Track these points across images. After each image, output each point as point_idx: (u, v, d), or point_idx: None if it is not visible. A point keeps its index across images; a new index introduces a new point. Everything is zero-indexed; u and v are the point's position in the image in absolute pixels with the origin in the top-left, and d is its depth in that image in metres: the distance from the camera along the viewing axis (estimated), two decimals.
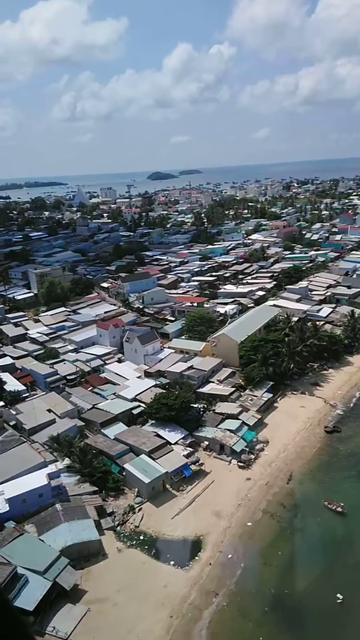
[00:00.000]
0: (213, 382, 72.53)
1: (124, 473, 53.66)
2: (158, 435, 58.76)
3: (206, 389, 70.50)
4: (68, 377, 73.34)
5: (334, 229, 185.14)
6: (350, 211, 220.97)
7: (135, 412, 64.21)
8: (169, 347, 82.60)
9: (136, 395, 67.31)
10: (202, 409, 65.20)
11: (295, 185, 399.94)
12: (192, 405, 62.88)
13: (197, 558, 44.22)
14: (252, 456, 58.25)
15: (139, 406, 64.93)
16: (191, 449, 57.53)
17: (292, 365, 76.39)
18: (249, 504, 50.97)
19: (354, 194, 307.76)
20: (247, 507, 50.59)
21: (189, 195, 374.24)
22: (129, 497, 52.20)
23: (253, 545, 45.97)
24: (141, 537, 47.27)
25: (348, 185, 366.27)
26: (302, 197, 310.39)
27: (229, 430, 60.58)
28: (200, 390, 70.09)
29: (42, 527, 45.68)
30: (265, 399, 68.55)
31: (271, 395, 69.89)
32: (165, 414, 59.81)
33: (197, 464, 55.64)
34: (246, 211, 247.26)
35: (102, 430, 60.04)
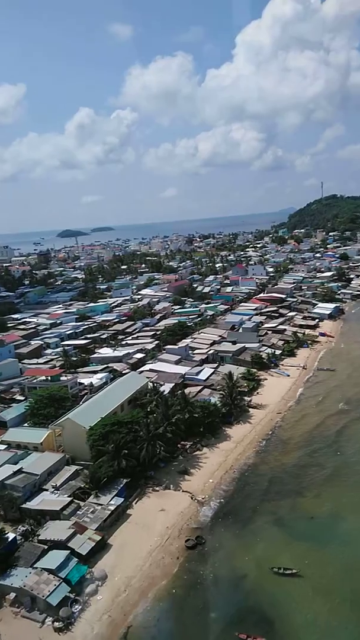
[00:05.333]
0: (47, 489, 55.05)
1: None
2: None
3: (35, 502, 52.73)
4: None
5: (226, 281, 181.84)
6: (243, 263, 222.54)
7: None
8: (1, 442, 64.14)
9: None
10: (21, 538, 47.23)
11: (198, 239, 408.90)
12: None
13: None
14: (77, 607, 40.95)
15: None
16: None
17: (158, 450, 61.48)
18: None
19: (250, 246, 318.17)
20: None
21: (91, 251, 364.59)
22: None
23: None
24: None
25: (246, 239, 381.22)
26: (202, 250, 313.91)
27: (47, 570, 43.02)
28: (28, 504, 52.25)
29: None
30: (114, 507, 52.32)
31: (122, 500, 53.85)
32: None
33: None
34: (144, 265, 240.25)
35: None
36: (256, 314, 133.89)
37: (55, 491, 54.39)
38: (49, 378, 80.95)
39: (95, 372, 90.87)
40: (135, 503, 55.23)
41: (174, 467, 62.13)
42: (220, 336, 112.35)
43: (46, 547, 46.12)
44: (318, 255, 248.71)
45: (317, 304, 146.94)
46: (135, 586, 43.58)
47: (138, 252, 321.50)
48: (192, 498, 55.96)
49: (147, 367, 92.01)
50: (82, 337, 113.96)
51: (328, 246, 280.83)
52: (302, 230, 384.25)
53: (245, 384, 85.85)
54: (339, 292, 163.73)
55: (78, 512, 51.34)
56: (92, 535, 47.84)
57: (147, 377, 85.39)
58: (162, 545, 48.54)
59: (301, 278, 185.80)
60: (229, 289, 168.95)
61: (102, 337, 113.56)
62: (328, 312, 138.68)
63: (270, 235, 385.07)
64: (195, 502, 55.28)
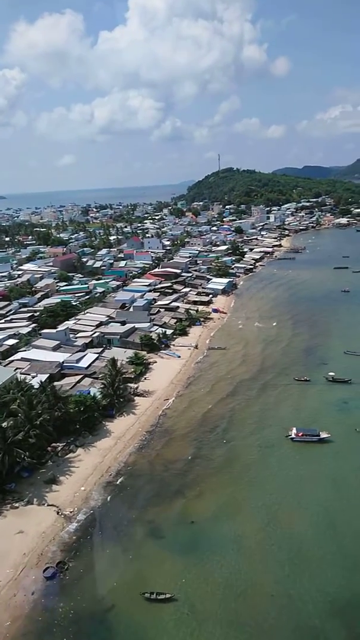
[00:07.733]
0: None
1: None
2: None
3: None
4: None
5: (120, 255, 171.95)
6: (139, 235, 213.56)
7: None
8: None
9: None
10: None
11: (94, 210, 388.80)
12: None
13: None
14: None
15: None
16: None
17: (20, 459, 51.97)
18: None
19: (149, 218, 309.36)
20: None
21: None
22: None
23: None
24: None
25: (145, 210, 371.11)
26: (98, 222, 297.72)
27: None
28: None
29: None
30: None
31: None
32: None
33: None
34: (30, 237, 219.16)
35: None
36: (149, 291, 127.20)
37: None
38: None
39: None
40: None
41: (40, 476, 53.25)
42: (108, 316, 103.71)
43: None
44: (214, 228, 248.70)
45: (211, 279, 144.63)
46: None
47: (27, 223, 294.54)
48: (58, 513, 47.86)
49: (18, 355, 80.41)
50: None
51: (224, 219, 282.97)
52: (201, 203, 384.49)
53: (132, 369, 79.09)
54: (233, 266, 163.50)
55: None
56: None
57: (18, 368, 74.45)
58: (15, 579, 40.02)
59: (197, 252, 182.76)
60: (122, 263, 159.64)
61: None
62: (222, 287, 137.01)
63: (170, 208, 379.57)
64: (62, 518, 47.31)
